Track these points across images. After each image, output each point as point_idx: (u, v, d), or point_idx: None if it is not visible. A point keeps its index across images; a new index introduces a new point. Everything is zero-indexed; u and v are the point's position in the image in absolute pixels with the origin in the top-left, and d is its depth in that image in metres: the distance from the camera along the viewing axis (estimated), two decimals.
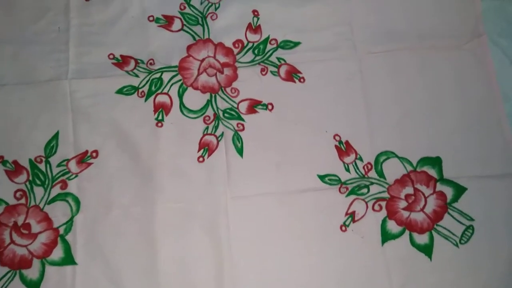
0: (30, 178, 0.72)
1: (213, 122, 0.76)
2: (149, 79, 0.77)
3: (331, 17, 0.81)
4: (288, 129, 0.76)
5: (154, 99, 0.76)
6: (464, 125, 0.77)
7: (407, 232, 0.72)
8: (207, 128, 0.75)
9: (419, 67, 0.79)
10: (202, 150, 0.75)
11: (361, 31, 0.80)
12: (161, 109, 0.76)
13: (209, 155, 0.74)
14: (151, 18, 0.80)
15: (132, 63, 0.78)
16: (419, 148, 0.76)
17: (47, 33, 0.79)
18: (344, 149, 0.75)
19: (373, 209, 0.73)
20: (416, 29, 0.81)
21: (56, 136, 0.74)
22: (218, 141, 0.75)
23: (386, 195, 0.74)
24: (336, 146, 0.75)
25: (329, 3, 0.81)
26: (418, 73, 0.79)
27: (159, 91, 0.77)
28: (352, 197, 0.73)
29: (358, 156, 0.75)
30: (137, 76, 0.77)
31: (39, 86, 0.76)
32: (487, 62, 0.80)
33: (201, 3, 0.81)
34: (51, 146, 0.73)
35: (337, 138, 0.76)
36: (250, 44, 0.80)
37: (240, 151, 0.75)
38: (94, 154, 0.73)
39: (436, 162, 0.75)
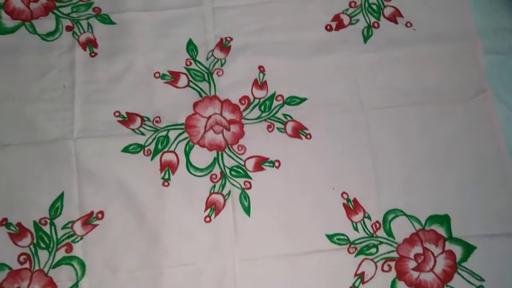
0: (35, 241, 0.71)
1: (220, 181, 0.75)
2: (155, 137, 0.76)
3: (337, 73, 0.81)
4: (295, 186, 0.75)
5: (161, 157, 0.76)
6: (471, 182, 0.76)
7: None
8: (214, 186, 0.75)
9: (424, 123, 0.79)
10: (209, 210, 0.74)
11: (367, 86, 0.81)
12: (168, 168, 0.75)
13: (216, 215, 0.74)
14: (157, 75, 0.80)
15: (138, 120, 0.77)
16: (427, 205, 0.75)
17: (51, 91, 0.78)
18: (352, 207, 0.75)
19: (382, 269, 0.72)
20: (421, 85, 0.81)
21: (61, 197, 0.73)
22: (225, 200, 0.74)
23: (395, 254, 0.73)
24: (344, 204, 0.75)
25: (335, 58, 0.82)
26: (424, 128, 0.79)
27: (166, 149, 0.76)
28: (361, 257, 0.73)
29: (366, 214, 0.75)
30: (143, 134, 0.76)
31: (43, 146, 0.75)
32: (493, 117, 0.80)
33: (207, 59, 0.82)
34: (56, 207, 0.72)
35: (345, 196, 0.75)
36: (257, 101, 0.80)
37: (247, 210, 0.74)
38: (99, 216, 0.72)
39: (444, 220, 0.75)
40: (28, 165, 0.74)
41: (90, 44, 0.81)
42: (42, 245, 0.71)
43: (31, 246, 0.71)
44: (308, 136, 0.78)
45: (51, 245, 0.71)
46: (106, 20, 0.83)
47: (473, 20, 0.85)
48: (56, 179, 0.74)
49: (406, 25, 0.85)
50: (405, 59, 0.83)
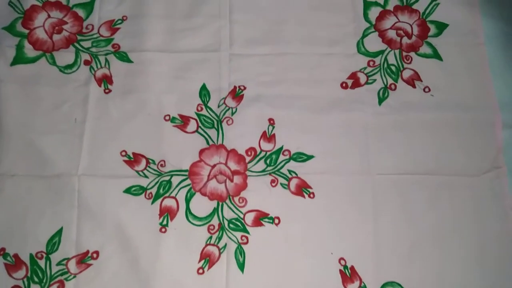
0: (29, 274, 0.71)
1: (217, 232, 0.74)
2: (158, 181, 0.77)
3: (348, 133, 0.80)
4: (293, 247, 0.74)
5: (161, 202, 0.75)
6: (476, 262, 0.74)
7: None
8: (210, 238, 0.74)
9: (432, 194, 0.77)
10: (203, 261, 0.73)
11: (377, 150, 0.79)
12: (167, 214, 0.75)
13: (209, 267, 0.73)
14: (167, 117, 0.80)
15: (143, 162, 0.78)
16: (428, 282, 0.73)
17: (63, 124, 0.79)
18: (348, 275, 0.73)
19: None
20: (433, 154, 0.79)
21: (59, 232, 0.73)
22: (220, 253, 0.73)
23: None
24: (340, 270, 0.73)
25: (348, 118, 0.81)
26: (431, 200, 0.77)
27: (167, 194, 0.76)
28: None
29: (362, 284, 0.73)
30: (146, 177, 0.77)
31: (49, 180, 0.76)
32: (505, 195, 0.77)
33: (218, 106, 0.82)
34: (54, 242, 0.73)
35: (343, 262, 0.73)
36: (263, 153, 0.79)
37: (241, 266, 0.73)
38: (94, 255, 0.73)
39: None
40: (32, 197, 0.75)
41: (106, 81, 0.82)
42: (36, 279, 0.71)
43: (25, 279, 0.71)
44: (311, 195, 0.77)
45: (44, 280, 0.71)
46: (124, 57, 0.84)
47: (494, 91, 0.83)
48: (57, 214, 0.74)
49: (424, 90, 0.83)
50: (419, 125, 0.81)
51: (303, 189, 0.77)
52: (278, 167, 0.78)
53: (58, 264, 0.72)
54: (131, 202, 0.75)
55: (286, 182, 0.77)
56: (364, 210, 0.76)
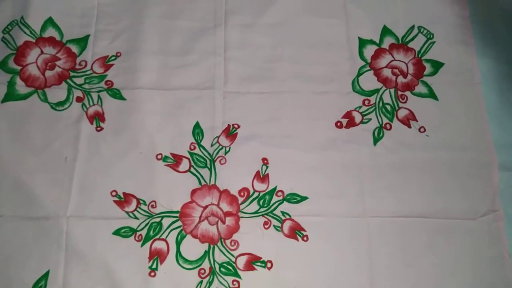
0: None
1: (208, 277, 0.72)
2: (148, 223, 0.75)
3: (342, 173, 0.79)
4: None
5: (151, 245, 0.74)
6: None
7: None
8: (201, 282, 0.72)
9: (428, 238, 0.75)
10: None
11: (371, 191, 0.78)
12: (157, 257, 0.73)
13: None
14: (159, 156, 0.79)
15: (134, 203, 0.76)
16: None
17: (53, 163, 0.78)
18: None
19: None
20: (429, 196, 0.78)
21: (45, 275, 0.71)
22: None
23: None
24: None
25: (342, 158, 0.80)
26: (427, 244, 0.75)
27: (157, 236, 0.74)
28: None
29: None
30: (136, 218, 0.75)
31: (36, 221, 0.74)
32: (501, 238, 0.76)
33: (212, 145, 0.80)
34: (40, 286, 0.71)
35: None
36: (256, 194, 0.78)
37: None
38: None
39: None
40: (18, 239, 0.73)
41: (98, 118, 0.81)
42: None
43: None
44: (305, 238, 0.75)
45: None
46: (116, 95, 0.83)
47: (490, 134, 0.82)
48: (43, 257, 0.72)
49: (419, 130, 0.82)
50: (414, 166, 0.80)
51: (296, 231, 0.76)
52: (272, 208, 0.77)
53: None
54: (121, 244, 0.74)
55: (279, 224, 0.76)
56: (359, 254, 0.75)
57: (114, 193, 0.77)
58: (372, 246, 0.75)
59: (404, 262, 0.74)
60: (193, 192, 0.77)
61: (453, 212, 0.77)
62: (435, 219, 0.77)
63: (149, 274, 0.72)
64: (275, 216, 0.76)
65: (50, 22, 0.87)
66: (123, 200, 0.76)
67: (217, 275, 0.73)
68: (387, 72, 0.87)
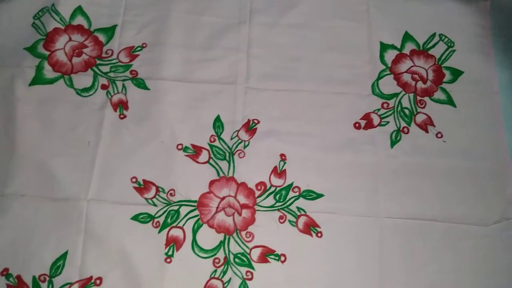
0: None
1: (222, 266, 0.74)
2: (166, 210, 0.76)
3: (358, 174, 0.80)
4: (297, 286, 0.73)
5: (168, 232, 0.75)
6: None
7: None
8: (215, 271, 0.74)
9: (440, 242, 0.76)
10: None
11: (386, 193, 0.79)
12: (173, 244, 0.75)
13: None
14: (179, 147, 0.81)
15: (153, 190, 0.78)
16: None
17: (76, 147, 0.80)
18: None
19: None
20: (442, 200, 0.79)
21: (64, 256, 0.73)
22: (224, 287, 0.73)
23: None
24: None
25: (359, 159, 0.81)
26: (437, 248, 0.76)
27: (174, 224, 0.76)
28: None
29: None
30: (155, 205, 0.77)
31: (57, 202, 0.76)
32: None
33: (231, 138, 0.82)
34: (57, 266, 0.72)
35: None
36: (273, 188, 0.79)
37: None
38: (98, 282, 0.72)
39: None
40: (39, 219, 0.75)
41: (121, 106, 0.83)
42: None
43: None
44: (319, 235, 0.76)
45: None
46: (141, 84, 0.85)
47: (506, 143, 0.83)
48: (62, 237, 0.74)
49: (436, 135, 0.84)
50: (429, 171, 0.81)
51: (311, 227, 0.77)
52: (287, 203, 0.78)
53: None
54: (138, 229, 0.75)
55: (294, 220, 0.77)
56: (370, 254, 0.76)
57: (134, 180, 0.78)
58: (384, 246, 0.76)
59: (414, 264, 0.75)
60: (211, 183, 0.79)
61: (466, 217, 0.78)
62: (447, 223, 0.78)
63: (165, 260, 0.73)
64: (290, 211, 0.78)
65: (79, 10, 0.89)
66: (142, 187, 0.78)
67: (232, 265, 0.74)
68: (407, 77, 0.89)
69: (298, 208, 0.78)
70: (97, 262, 0.73)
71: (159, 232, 0.75)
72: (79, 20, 0.89)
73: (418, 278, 0.74)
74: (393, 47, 0.91)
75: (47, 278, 0.72)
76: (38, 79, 0.83)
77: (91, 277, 0.72)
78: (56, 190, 0.76)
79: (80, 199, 0.76)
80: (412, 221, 0.78)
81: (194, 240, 0.75)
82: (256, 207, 0.78)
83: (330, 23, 0.92)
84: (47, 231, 0.74)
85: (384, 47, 0.91)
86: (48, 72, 0.84)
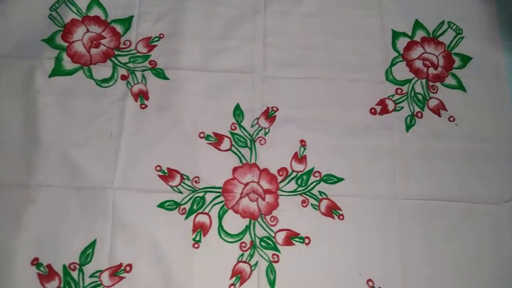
0: (61, 285, 0.72)
1: (249, 250, 0.76)
2: (192, 197, 0.78)
3: (376, 158, 0.83)
4: (322, 267, 0.76)
5: (194, 218, 0.77)
6: None
7: None
8: (242, 255, 0.75)
9: (455, 221, 0.79)
10: (234, 278, 0.74)
11: (403, 175, 0.81)
12: (200, 230, 0.76)
13: (241, 284, 0.74)
14: (201, 135, 0.82)
15: (178, 178, 0.79)
16: None
17: (99, 137, 0.80)
18: None
19: None
20: (457, 181, 0.82)
21: (93, 244, 0.74)
22: (251, 270, 0.75)
23: None
24: None
25: (376, 143, 0.83)
26: (453, 227, 0.79)
27: (200, 210, 0.77)
28: None
29: None
30: (180, 192, 0.78)
31: (83, 192, 0.76)
32: None
33: (252, 126, 0.84)
34: (87, 254, 0.73)
35: (370, 283, 0.75)
36: (294, 174, 0.81)
37: (272, 284, 0.74)
38: (128, 268, 0.73)
39: None
40: (66, 208, 0.76)
41: (142, 96, 0.84)
42: None
43: None
44: (341, 217, 0.79)
45: None
46: (160, 74, 0.86)
47: None
48: (90, 226, 0.75)
49: (449, 119, 0.86)
50: (444, 153, 0.84)
51: (333, 210, 0.79)
52: (309, 188, 0.80)
53: (91, 276, 0.73)
54: (165, 216, 0.77)
55: (316, 203, 0.79)
56: (390, 233, 0.78)
57: (158, 168, 0.79)
58: (404, 226, 0.79)
59: (433, 243, 0.78)
60: (235, 169, 0.81)
61: (478, 197, 0.81)
62: (461, 203, 0.81)
63: (193, 246, 0.75)
64: (312, 195, 0.80)
65: (95, 1, 0.90)
66: (167, 175, 0.79)
67: (258, 248, 0.76)
68: (418, 64, 0.91)
69: (320, 192, 0.80)
70: (126, 249, 0.74)
71: (186, 218, 0.77)
72: (96, 11, 0.89)
73: (438, 256, 0.77)
74: (404, 34, 0.93)
75: (77, 267, 0.73)
76: (57, 71, 0.84)
77: (120, 264, 0.73)
78: (81, 180, 0.77)
79: (106, 187, 0.77)
80: (430, 201, 0.80)
81: (220, 226, 0.77)
82: (279, 192, 0.80)
83: (343, 11, 0.94)
84: (75, 220, 0.75)
85: (396, 35, 0.93)
86: (67, 63, 0.85)
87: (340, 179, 0.81)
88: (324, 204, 0.79)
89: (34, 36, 0.86)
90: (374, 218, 0.79)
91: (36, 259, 0.73)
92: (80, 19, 0.88)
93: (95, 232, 0.75)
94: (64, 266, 0.73)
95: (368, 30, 0.93)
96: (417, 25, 0.94)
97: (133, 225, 0.76)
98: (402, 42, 0.93)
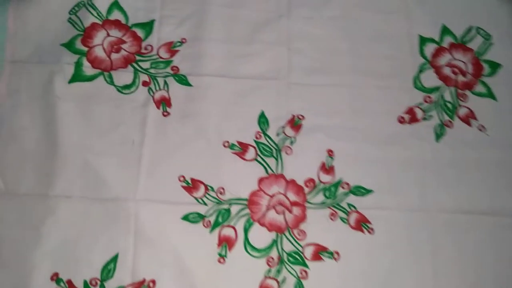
0: None
1: (277, 266, 0.73)
2: (217, 209, 0.75)
3: (406, 168, 0.79)
4: (352, 283, 0.73)
5: (220, 231, 0.74)
6: None
7: None
8: (269, 270, 0.72)
9: (488, 236, 0.76)
10: None
11: (435, 187, 0.78)
12: (225, 243, 0.73)
13: None
14: (226, 144, 0.79)
15: (202, 189, 0.76)
16: None
17: (120, 145, 0.77)
18: None
19: None
20: (490, 194, 0.79)
21: (114, 258, 0.71)
22: (279, 287, 0.72)
23: None
24: None
25: (406, 153, 0.80)
26: (488, 241, 0.76)
27: (226, 223, 0.75)
28: None
29: None
30: (205, 204, 0.75)
31: (105, 203, 0.74)
32: None
33: (277, 135, 0.81)
34: (109, 269, 0.70)
35: None
36: (322, 185, 0.78)
37: None
38: (151, 284, 0.70)
39: None
40: (87, 221, 0.73)
41: (164, 103, 0.81)
42: None
43: None
44: (371, 231, 0.76)
45: None
46: (183, 81, 0.83)
47: None
48: (112, 239, 0.72)
49: (479, 128, 0.83)
50: (476, 164, 0.81)
51: (362, 224, 0.76)
52: (338, 199, 0.77)
53: None
54: (189, 229, 0.74)
55: (345, 216, 0.76)
56: (422, 248, 0.75)
57: (182, 179, 0.77)
58: (435, 241, 0.76)
59: (465, 258, 0.75)
60: (260, 180, 0.78)
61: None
62: (496, 217, 0.78)
63: (218, 260, 0.72)
64: (341, 208, 0.77)
65: (115, 5, 0.87)
66: (191, 186, 0.76)
67: (285, 264, 0.73)
68: (447, 71, 0.88)
69: (349, 205, 0.77)
70: (149, 264, 0.71)
71: (211, 231, 0.74)
72: (116, 15, 0.86)
73: (472, 271, 0.74)
74: (432, 40, 0.90)
75: (99, 282, 0.70)
76: (77, 76, 0.81)
77: (144, 280, 0.71)
78: (102, 191, 0.74)
79: (128, 199, 0.74)
80: (461, 215, 0.77)
81: (246, 239, 0.74)
82: (306, 204, 0.77)
83: (369, 15, 0.91)
84: (96, 233, 0.72)
85: (423, 40, 0.90)
86: (87, 68, 0.82)
87: (369, 191, 0.78)
88: (353, 217, 0.77)
89: (54, 41, 0.83)
90: (405, 232, 0.76)
91: (56, 274, 0.70)
92: (100, 23, 0.86)
93: (117, 246, 0.72)
94: (85, 282, 0.70)
95: (394, 35, 0.90)
96: (445, 30, 0.91)
97: (157, 238, 0.73)
98: (429, 48, 0.90)
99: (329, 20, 0.90)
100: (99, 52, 0.83)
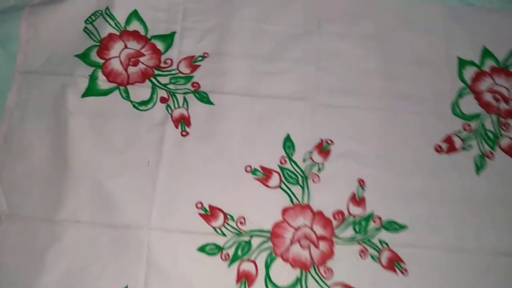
0: None
1: None
2: (236, 241, 0.69)
3: (444, 203, 0.73)
4: None
5: (239, 266, 0.67)
6: None
7: None
8: None
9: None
10: None
11: (476, 225, 0.72)
12: (244, 279, 0.67)
13: None
14: (248, 169, 0.73)
15: (221, 217, 0.70)
16: None
17: (134, 167, 0.72)
18: None
19: None
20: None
21: None
22: None
23: None
24: None
25: (444, 186, 0.74)
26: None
27: (246, 257, 0.68)
28: None
29: None
30: (224, 235, 0.69)
31: (115, 230, 0.68)
32: None
33: (304, 161, 0.74)
34: None
35: None
36: (352, 218, 0.72)
37: None
38: None
39: None
40: (95, 248, 0.67)
41: (183, 122, 0.75)
42: None
43: None
44: (404, 272, 0.69)
45: None
46: (204, 98, 0.77)
47: None
48: (122, 269, 0.66)
49: None
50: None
51: (395, 263, 0.69)
52: (369, 235, 0.71)
53: None
54: (206, 262, 0.67)
55: (376, 254, 0.70)
56: None
57: (199, 205, 0.71)
58: (475, 286, 0.69)
59: None
60: (285, 211, 0.71)
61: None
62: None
63: None
64: (372, 245, 0.70)
65: (135, 15, 0.82)
66: (209, 214, 0.70)
67: None
68: (488, 97, 0.82)
69: (381, 241, 0.70)
70: None
71: (229, 265, 0.68)
72: (135, 26, 0.81)
73: None
74: (472, 63, 0.84)
75: None
76: (91, 90, 0.76)
77: None
78: (114, 216, 0.68)
79: (141, 226, 0.68)
80: (506, 257, 0.70)
81: (267, 276, 0.67)
82: (334, 239, 0.70)
83: (404, 35, 0.85)
84: (105, 262, 0.66)
85: (462, 63, 0.84)
86: (103, 82, 0.76)
87: (403, 227, 0.71)
88: (385, 255, 0.70)
89: (67, 51, 0.78)
90: (442, 273, 0.69)
91: None
92: (118, 33, 0.80)
93: (127, 276, 0.66)
94: None
95: (432, 57, 0.84)
96: (486, 53, 0.85)
97: (170, 270, 0.66)
98: (469, 72, 0.83)
99: (362, 38, 0.84)
100: (115, 65, 0.78)
